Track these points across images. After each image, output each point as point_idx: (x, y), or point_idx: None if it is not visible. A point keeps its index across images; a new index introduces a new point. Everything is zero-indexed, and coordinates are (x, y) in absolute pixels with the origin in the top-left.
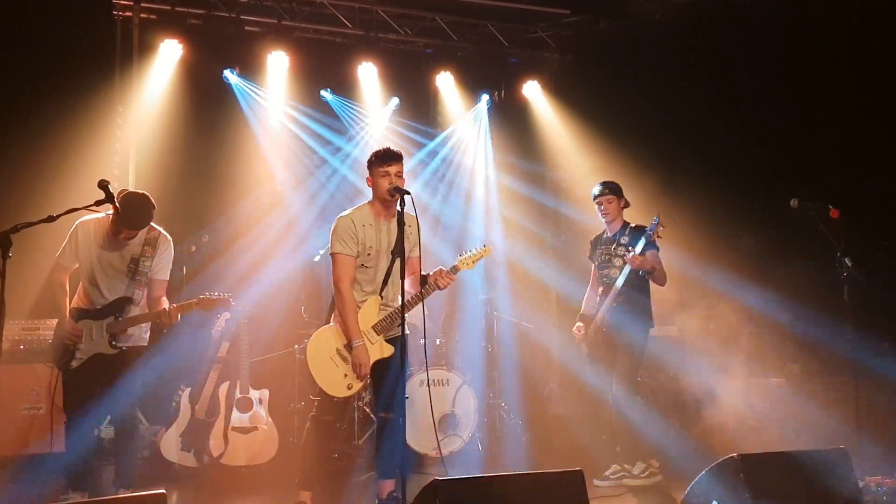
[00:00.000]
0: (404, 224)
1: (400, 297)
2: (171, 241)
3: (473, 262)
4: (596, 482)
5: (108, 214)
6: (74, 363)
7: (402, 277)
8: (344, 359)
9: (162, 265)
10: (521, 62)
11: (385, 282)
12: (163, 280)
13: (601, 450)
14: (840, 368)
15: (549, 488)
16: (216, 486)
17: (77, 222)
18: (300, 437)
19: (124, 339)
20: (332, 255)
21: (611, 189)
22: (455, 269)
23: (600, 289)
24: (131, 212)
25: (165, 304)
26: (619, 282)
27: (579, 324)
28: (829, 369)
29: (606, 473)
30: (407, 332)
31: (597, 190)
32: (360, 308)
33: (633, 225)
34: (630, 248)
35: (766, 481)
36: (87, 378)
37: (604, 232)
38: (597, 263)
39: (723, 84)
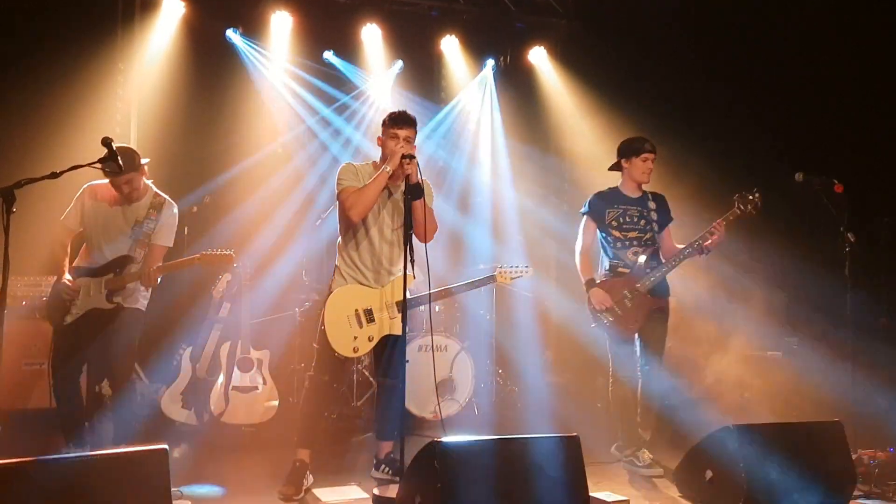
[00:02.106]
0: (413, 195)
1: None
2: (176, 208)
3: (511, 279)
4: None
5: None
6: (69, 318)
7: (409, 253)
8: (360, 321)
9: (164, 231)
10: (527, 27)
11: (410, 259)
12: (163, 246)
13: (596, 418)
14: (838, 343)
15: (546, 452)
16: (217, 443)
17: (85, 186)
18: (300, 397)
19: (121, 296)
20: (339, 196)
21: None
22: (491, 279)
23: (629, 252)
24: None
25: None
26: (683, 254)
27: (599, 290)
28: (826, 344)
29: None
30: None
31: (649, 146)
32: (370, 276)
33: (651, 191)
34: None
35: (761, 452)
36: (79, 333)
37: (615, 189)
38: (616, 223)
39: (730, 54)
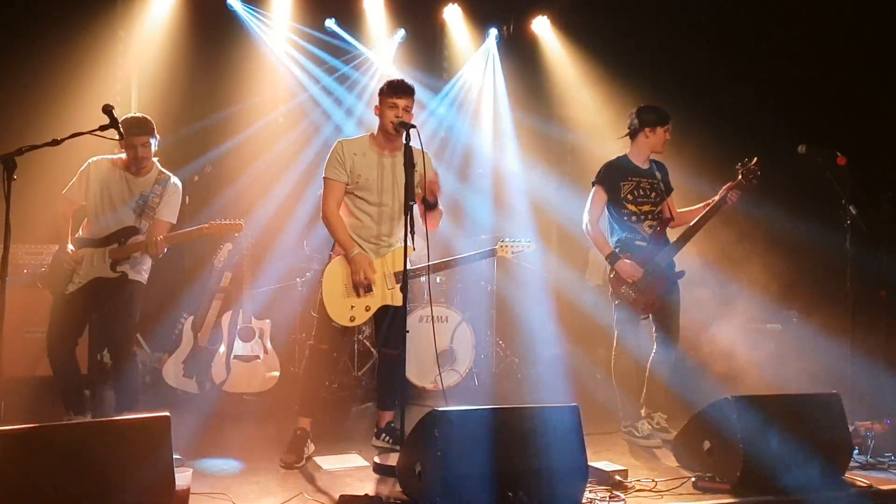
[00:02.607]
0: (413, 165)
1: (424, 247)
2: (180, 187)
3: (512, 254)
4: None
5: (119, 158)
6: (71, 287)
7: (411, 223)
8: (357, 292)
9: (169, 206)
10: None
11: (410, 230)
12: (167, 222)
13: (596, 388)
14: (837, 315)
15: (545, 422)
16: (218, 412)
17: (90, 161)
18: (301, 366)
19: (125, 266)
20: (323, 180)
21: None
22: (491, 254)
23: (644, 225)
24: (131, 122)
25: None
26: (699, 226)
27: (626, 262)
28: (826, 316)
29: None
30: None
31: (668, 117)
32: (378, 257)
33: (654, 160)
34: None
35: (758, 423)
36: (79, 303)
37: (625, 159)
38: (631, 197)
39: (733, 23)
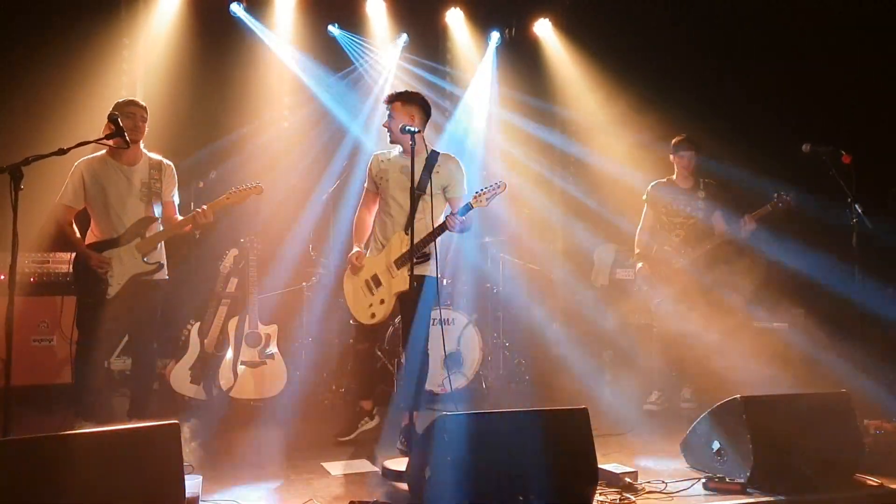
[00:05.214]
0: (434, 163)
1: (426, 233)
2: (173, 166)
3: (487, 201)
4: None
5: (105, 152)
6: (111, 291)
7: (412, 213)
8: (370, 289)
9: (172, 187)
10: None
11: (412, 217)
12: (173, 202)
13: (604, 390)
14: (845, 314)
15: (554, 425)
16: (225, 418)
17: (77, 162)
18: (308, 371)
19: (156, 254)
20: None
21: (696, 146)
22: (468, 208)
23: (673, 234)
24: (131, 100)
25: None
26: (713, 242)
27: (642, 264)
28: (834, 314)
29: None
30: (434, 273)
31: (682, 147)
32: (384, 244)
33: (706, 179)
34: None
35: (768, 423)
36: (121, 307)
37: (667, 180)
38: (665, 210)
39: (736, 23)
